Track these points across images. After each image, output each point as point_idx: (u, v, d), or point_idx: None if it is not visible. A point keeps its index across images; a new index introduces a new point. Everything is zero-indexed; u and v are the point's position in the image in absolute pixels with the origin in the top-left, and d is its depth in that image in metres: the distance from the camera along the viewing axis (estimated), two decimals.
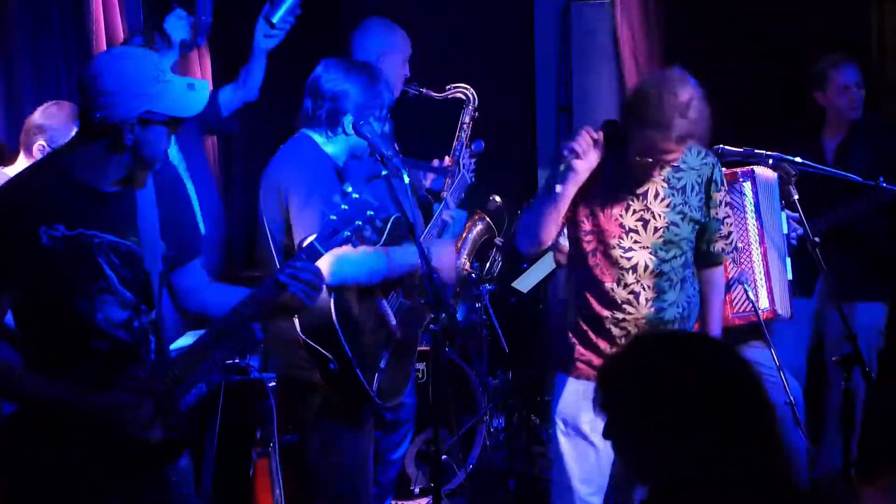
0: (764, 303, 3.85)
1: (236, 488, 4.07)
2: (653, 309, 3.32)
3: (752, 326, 3.84)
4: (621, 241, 3.29)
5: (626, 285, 3.30)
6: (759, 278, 3.84)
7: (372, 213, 2.85)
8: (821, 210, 4.26)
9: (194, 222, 2.93)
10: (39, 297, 2.60)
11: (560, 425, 3.41)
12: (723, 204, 3.39)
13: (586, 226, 3.33)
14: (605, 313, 3.32)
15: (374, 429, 3.88)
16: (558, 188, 3.24)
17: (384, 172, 3.16)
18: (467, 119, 4.58)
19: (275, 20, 4.13)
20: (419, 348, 4.62)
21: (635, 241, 3.30)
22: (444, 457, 4.49)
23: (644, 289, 3.31)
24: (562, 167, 3.25)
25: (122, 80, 2.52)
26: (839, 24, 5.24)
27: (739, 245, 3.80)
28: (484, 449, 4.89)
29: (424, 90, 4.54)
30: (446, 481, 4.62)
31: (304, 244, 2.86)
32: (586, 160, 3.21)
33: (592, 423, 3.33)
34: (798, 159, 3.69)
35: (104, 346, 2.63)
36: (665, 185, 3.31)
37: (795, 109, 4.81)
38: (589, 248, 3.33)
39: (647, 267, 3.30)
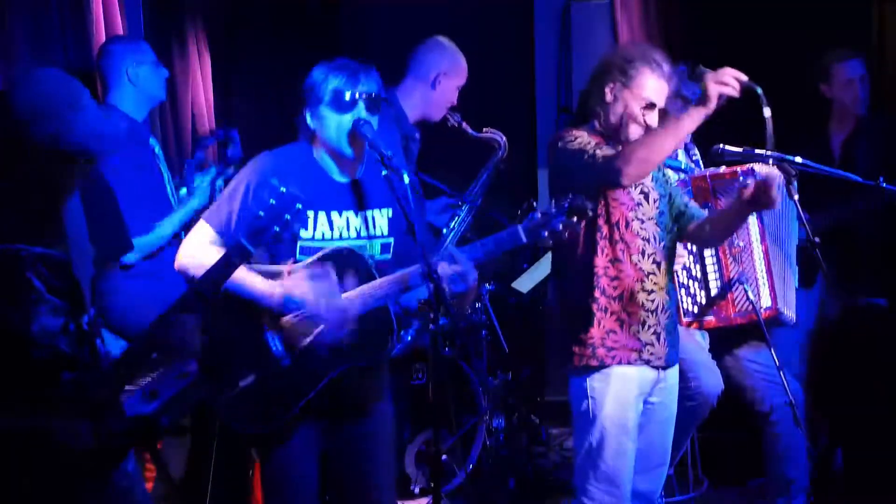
0: (766, 301, 3.85)
1: (236, 488, 4.07)
2: (668, 278, 3.39)
3: (753, 326, 3.84)
4: (636, 212, 3.33)
5: (648, 255, 3.33)
6: (761, 277, 3.83)
7: (300, 206, 2.83)
8: (822, 208, 4.26)
9: (121, 225, 2.91)
10: None
11: (609, 429, 3.31)
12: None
13: (601, 204, 3.32)
14: (636, 286, 3.32)
15: None
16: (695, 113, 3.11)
17: (384, 172, 3.15)
18: (491, 167, 4.59)
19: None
20: (419, 347, 4.65)
21: (643, 213, 3.35)
22: (444, 457, 4.49)
23: (660, 259, 3.36)
24: (699, 95, 3.14)
25: (36, 102, 2.49)
26: (839, 25, 5.25)
27: (740, 244, 3.81)
28: (484, 449, 4.88)
29: (464, 124, 4.55)
30: (446, 481, 4.62)
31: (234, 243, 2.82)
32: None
33: (635, 417, 3.35)
34: (798, 159, 3.68)
35: (44, 355, 2.60)
36: None
37: (795, 110, 4.80)
38: (612, 221, 3.31)
39: (656, 237, 3.36)
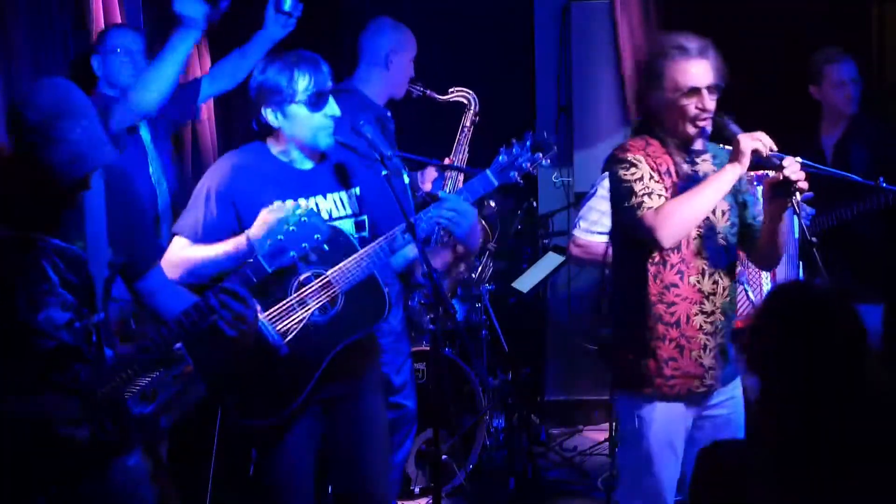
0: None
1: (236, 488, 4.08)
2: (728, 298, 3.22)
3: None
4: (700, 229, 3.15)
5: (709, 275, 3.16)
6: (765, 281, 3.84)
7: (319, 236, 2.88)
8: (820, 210, 4.25)
9: (148, 230, 2.96)
10: None
11: (654, 447, 3.19)
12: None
13: None
14: (693, 309, 3.14)
15: None
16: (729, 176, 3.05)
17: (384, 172, 3.16)
18: (468, 124, 4.69)
19: (287, 7, 4.10)
20: (420, 348, 4.66)
21: (710, 228, 3.18)
22: (444, 457, 4.49)
23: (721, 277, 3.20)
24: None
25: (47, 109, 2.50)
26: (839, 25, 5.25)
27: None
28: (484, 449, 4.88)
29: (428, 91, 4.66)
30: (446, 481, 4.62)
31: (251, 259, 2.88)
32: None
33: (681, 438, 3.24)
34: (799, 159, 3.67)
35: (49, 345, 2.66)
36: (713, 167, 3.22)
37: (795, 109, 4.81)
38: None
39: (722, 253, 3.19)
